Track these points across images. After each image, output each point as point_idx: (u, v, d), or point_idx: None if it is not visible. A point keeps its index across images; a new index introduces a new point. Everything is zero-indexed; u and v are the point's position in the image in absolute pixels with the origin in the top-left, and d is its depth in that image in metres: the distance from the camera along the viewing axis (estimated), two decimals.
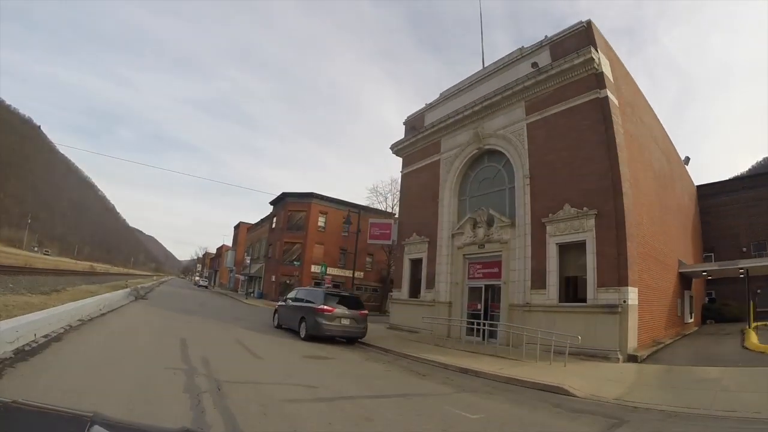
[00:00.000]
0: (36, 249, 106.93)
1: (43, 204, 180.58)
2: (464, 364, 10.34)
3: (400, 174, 24.03)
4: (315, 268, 37.70)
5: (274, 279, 38.23)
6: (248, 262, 38.58)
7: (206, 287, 64.81)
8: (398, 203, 42.50)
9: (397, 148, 23.90)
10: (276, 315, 16.51)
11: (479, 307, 16.97)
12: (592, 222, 13.22)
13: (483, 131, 18.24)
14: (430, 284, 19.66)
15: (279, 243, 39.01)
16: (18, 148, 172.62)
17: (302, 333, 13.34)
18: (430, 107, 22.86)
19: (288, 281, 37.55)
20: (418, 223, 21.38)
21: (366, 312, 14.10)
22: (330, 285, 24.05)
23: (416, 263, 21.24)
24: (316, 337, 12.94)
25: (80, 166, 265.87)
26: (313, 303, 13.50)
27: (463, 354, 12.47)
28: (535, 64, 16.17)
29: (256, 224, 51.97)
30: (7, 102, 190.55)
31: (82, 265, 57.91)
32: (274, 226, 42.33)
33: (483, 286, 17.21)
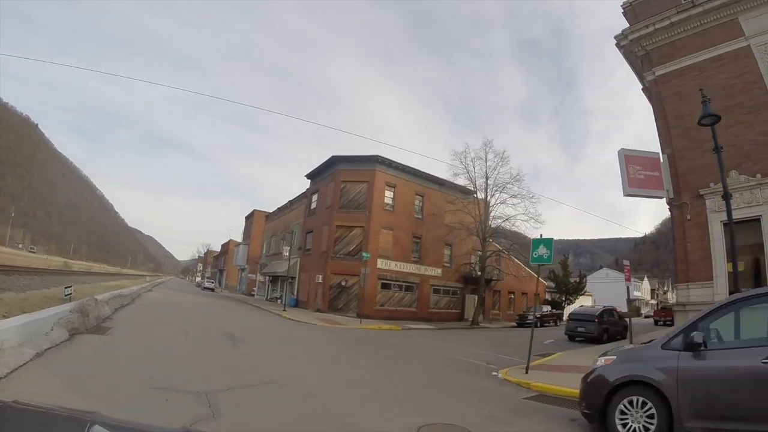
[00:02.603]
0: (21, 246, 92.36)
1: (39, 203, 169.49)
2: None
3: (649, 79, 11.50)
4: (384, 264, 24.45)
5: (320, 279, 24.79)
6: (286, 254, 24.92)
7: (213, 290, 50.96)
8: (491, 172, 29.38)
9: (637, 35, 11.73)
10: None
11: None
12: None
13: None
14: None
15: (327, 229, 25.60)
16: (15, 146, 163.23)
17: None
18: None
19: (344, 282, 24.16)
20: (735, 153, 8.93)
21: None
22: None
23: (744, 229, 8.90)
24: None
25: (79, 165, 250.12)
26: None
27: None
28: None
29: (282, 208, 38.25)
30: (5, 100, 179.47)
31: (56, 262, 43.58)
32: (314, 206, 28.87)
33: None
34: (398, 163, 26.35)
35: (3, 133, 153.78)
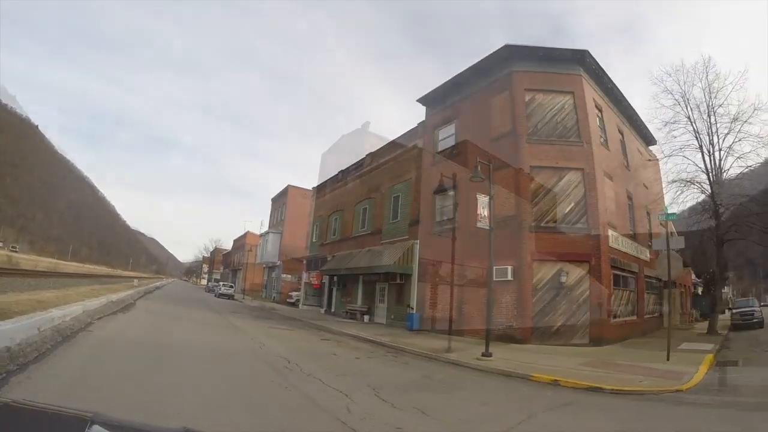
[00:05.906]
0: (2, 245, 77.55)
1: (39, 204, 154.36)
2: None
3: None
4: (615, 242, 11.87)
5: (510, 275, 11.87)
6: (482, 225, 10.85)
7: (232, 297, 34.83)
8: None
9: None
10: None
11: None
12: None
13: None
14: None
15: (517, 176, 12.74)
16: (14, 148, 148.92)
17: None
18: None
19: (563, 278, 11.44)
20: None
21: None
22: None
23: None
24: None
25: (80, 167, 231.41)
26: None
27: None
28: None
29: (348, 170, 24.22)
30: (4, 101, 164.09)
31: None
32: (454, 142, 15.89)
33: None
34: (605, 73, 13.95)
35: (2, 134, 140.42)
